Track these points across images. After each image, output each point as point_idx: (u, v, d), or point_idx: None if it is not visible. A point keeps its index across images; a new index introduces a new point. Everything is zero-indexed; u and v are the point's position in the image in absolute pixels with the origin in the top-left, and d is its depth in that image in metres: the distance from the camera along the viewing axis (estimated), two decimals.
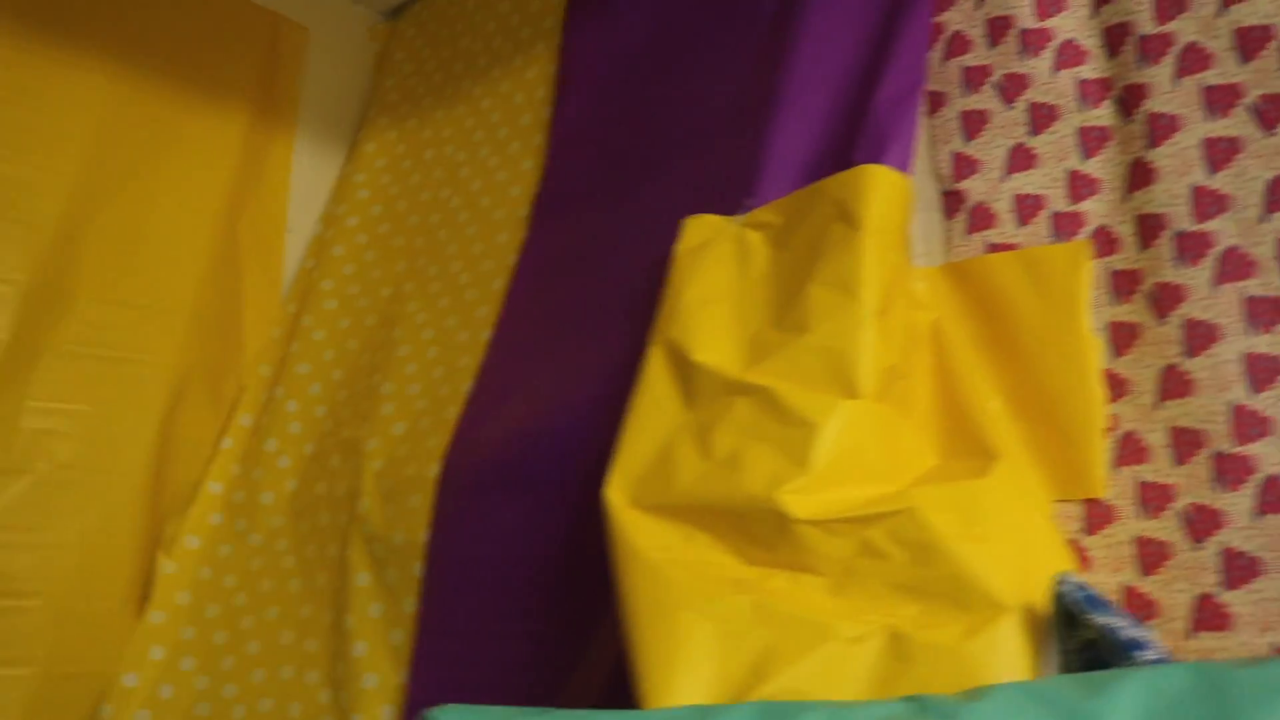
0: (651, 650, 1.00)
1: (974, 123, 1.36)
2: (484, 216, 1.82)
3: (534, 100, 1.87)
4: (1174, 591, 1.07)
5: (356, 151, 2.12)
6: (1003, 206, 1.31)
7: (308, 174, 2.14)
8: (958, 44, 1.38)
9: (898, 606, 0.99)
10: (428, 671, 1.48)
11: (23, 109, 1.80)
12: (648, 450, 1.15)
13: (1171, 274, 1.14)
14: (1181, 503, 1.09)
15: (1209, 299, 1.11)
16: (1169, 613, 1.08)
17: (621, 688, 1.12)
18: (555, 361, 1.50)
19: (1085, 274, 1.21)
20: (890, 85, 1.27)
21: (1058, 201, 1.27)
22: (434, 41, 2.14)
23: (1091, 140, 1.26)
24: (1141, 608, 1.07)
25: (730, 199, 1.34)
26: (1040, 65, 1.31)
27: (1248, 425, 1.06)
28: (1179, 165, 1.16)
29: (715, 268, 1.26)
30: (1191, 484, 1.09)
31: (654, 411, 1.18)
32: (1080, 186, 1.26)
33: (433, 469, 1.57)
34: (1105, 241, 1.22)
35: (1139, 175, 1.20)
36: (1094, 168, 1.25)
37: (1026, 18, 1.32)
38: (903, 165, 1.22)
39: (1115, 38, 1.26)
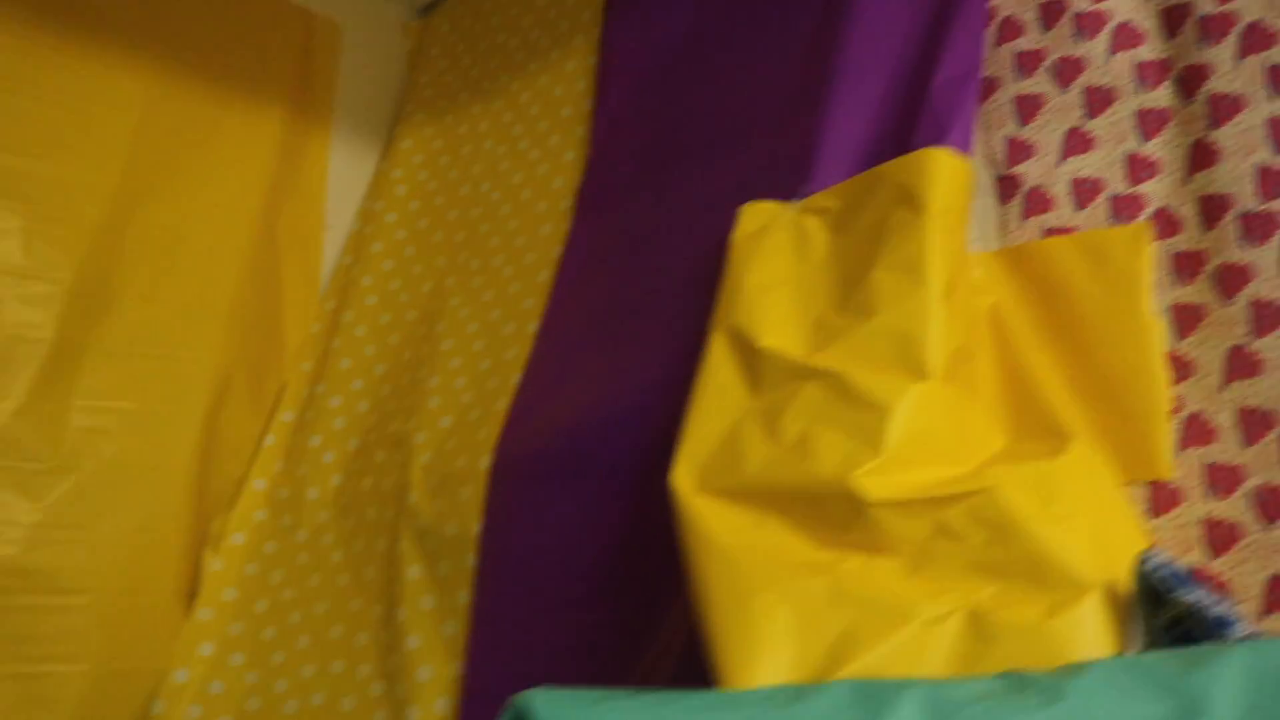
0: (729, 636, 0.99)
1: (1028, 107, 1.35)
2: (526, 209, 1.82)
3: (574, 93, 1.87)
4: (1245, 572, 1.07)
5: (393, 148, 2.12)
6: (1060, 190, 1.31)
7: (343, 171, 2.14)
8: (1009, 29, 1.38)
9: (976, 587, 0.99)
10: (484, 662, 1.48)
11: (63, 111, 1.81)
12: (713, 436, 1.15)
13: (1237, 254, 1.14)
14: (1251, 483, 1.09)
15: (1277, 279, 1.11)
16: (1241, 594, 1.07)
17: (690, 675, 1.12)
18: (606, 352, 1.50)
19: (1146, 256, 1.21)
20: (948, 69, 1.27)
21: (1116, 184, 1.27)
22: (468, 37, 2.14)
23: (1150, 122, 1.26)
24: (1212, 589, 1.06)
25: (783, 185, 1.34)
26: (1096, 48, 1.31)
27: None
28: (1243, 145, 1.16)
29: (774, 254, 1.26)
30: (1261, 464, 1.09)
31: (718, 398, 1.17)
32: (1139, 169, 1.26)
33: (483, 461, 1.57)
34: (1166, 223, 1.22)
35: (1200, 156, 1.20)
36: (1153, 150, 1.25)
37: (1081, 1, 1.32)
38: (963, 148, 1.21)
39: (1174, 19, 1.25)
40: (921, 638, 0.97)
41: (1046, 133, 1.33)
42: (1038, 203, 1.32)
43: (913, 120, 1.27)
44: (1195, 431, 1.15)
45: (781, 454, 1.10)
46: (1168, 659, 0.78)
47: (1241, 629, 0.86)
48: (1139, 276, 1.20)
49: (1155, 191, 1.23)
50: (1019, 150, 1.34)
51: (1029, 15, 1.37)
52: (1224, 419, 1.12)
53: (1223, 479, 1.11)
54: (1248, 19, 1.18)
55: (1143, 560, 0.94)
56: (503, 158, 1.93)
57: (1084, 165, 1.29)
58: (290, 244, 2.05)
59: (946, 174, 1.18)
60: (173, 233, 1.88)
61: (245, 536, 1.82)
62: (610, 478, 1.40)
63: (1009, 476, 1.03)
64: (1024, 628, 0.95)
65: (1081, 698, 0.75)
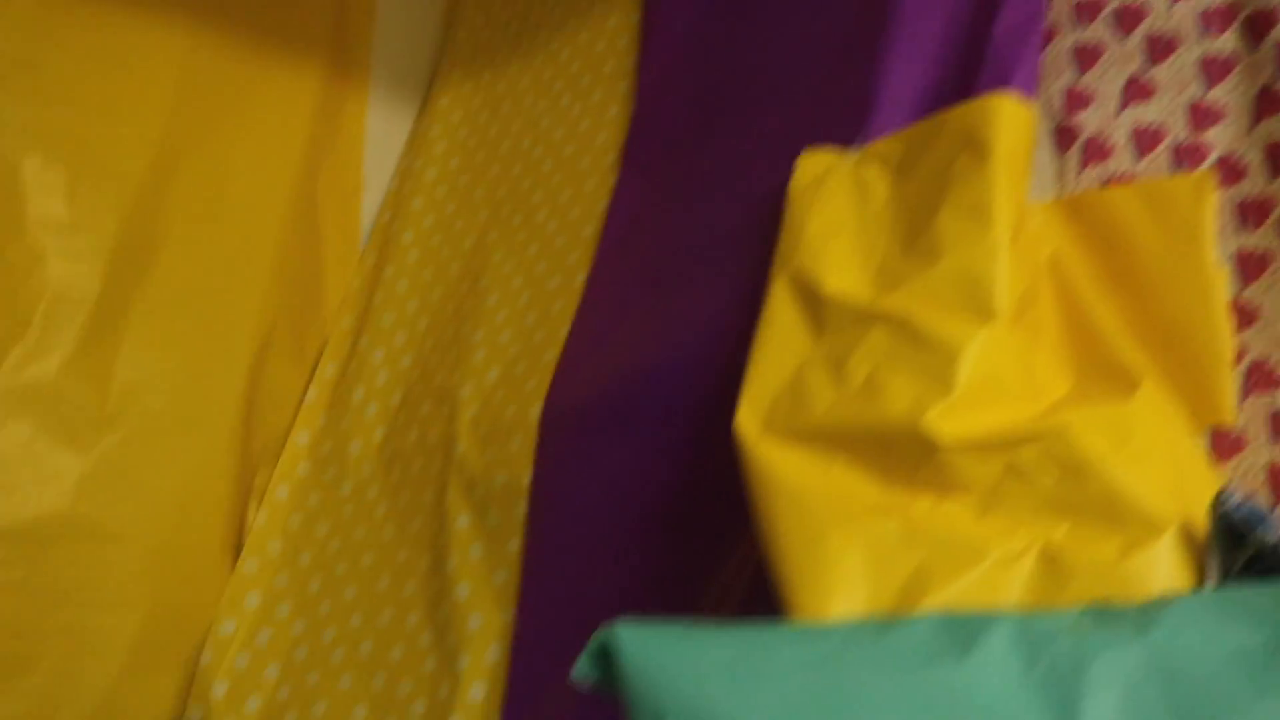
0: (802, 577, 1.00)
1: (1087, 57, 1.35)
2: (569, 164, 1.81)
3: (617, 48, 1.86)
4: None
5: (430, 106, 2.11)
6: (1119, 140, 1.30)
7: (380, 129, 2.14)
8: None
9: (1049, 526, 0.99)
10: (537, 609, 1.48)
11: (104, 66, 1.81)
12: (777, 381, 1.15)
13: None
14: None
15: None
16: None
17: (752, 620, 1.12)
18: (657, 302, 1.49)
19: (1209, 204, 1.20)
20: (1010, 15, 1.26)
21: (1178, 132, 1.26)
22: None
23: (1214, 70, 1.25)
24: None
25: (840, 134, 1.33)
26: None
27: None
28: None
29: (834, 201, 1.25)
30: None
31: (781, 342, 1.17)
32: (1202, 116, 1.25)
33: (533, 411, 1.57)
34: (1230, 171, 1.21)
35: (1267, 103, 1.20)
36: (1217, 97, 1.25)
37: None
38: (1028, 95, 1.21)
39: None
40: (995, 576, 0.97)
41: (1105, 82, 1.32)
42: (1096, 152, 1.31)
43: (974, 68, 1.27)
44: (1258, 378, 1.14)
45: (849, 397, 1.10)
46: (1257, 591, 0.78)
47: None
48: (1201, 225, 1.19)
49: (1219, 139, 1.23)
50: (1077, 100, 1.33)
51: None
52: None
53: None
54: None
55: (1221, 499, 0.94)
56: (544, 114, 1.92)
57: (1144, 114, 1.29)
58: (329, 201, 2.05)
59: (1012, 120, 1.17)
60: (213, 190, 1.88)
61: (289, 490, 1.83)
62: (665, 425, 1.40)
63: (1080, 417, 1.03)
64: (1099, 566, 0.95)
65: (1174, 627, 0.75)
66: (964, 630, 0.79)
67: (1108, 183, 1.32)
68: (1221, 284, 1.18)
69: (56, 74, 1.75)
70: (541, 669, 1.48)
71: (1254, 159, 1.20)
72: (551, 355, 1.63)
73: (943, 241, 1.16)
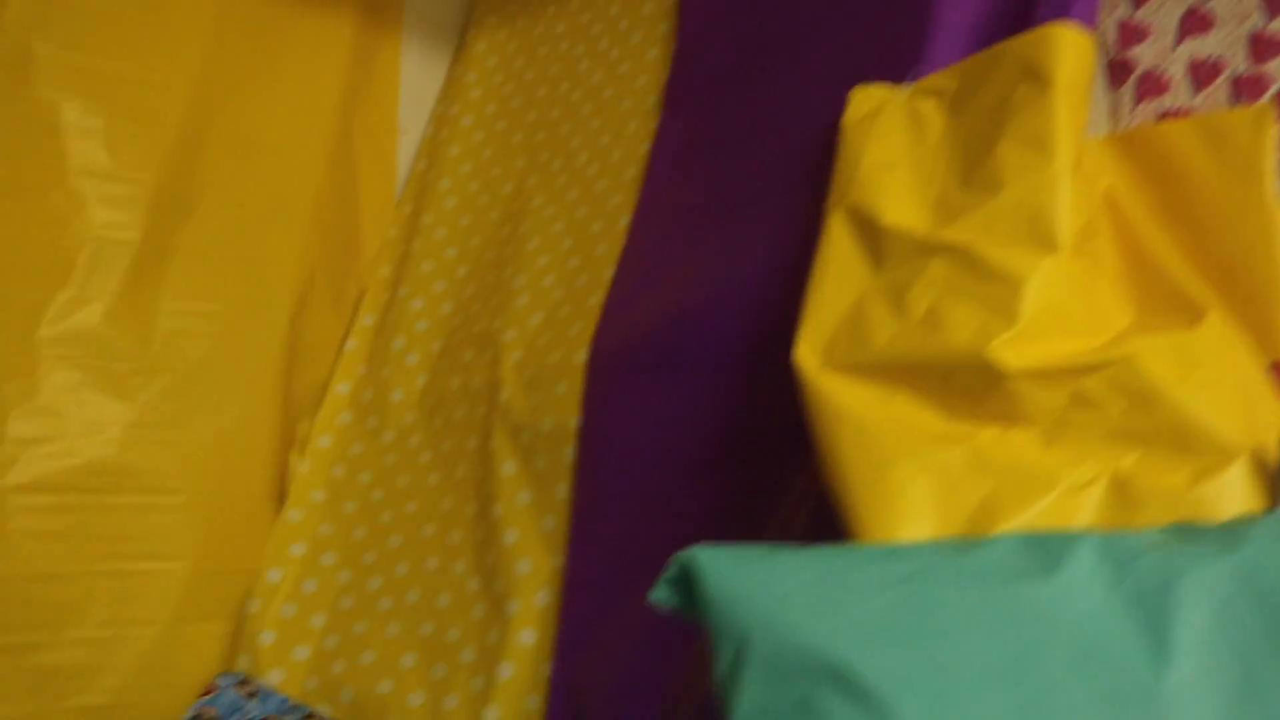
0: (868, 507, 0.99)
1: None
2: (609, 108, 1.80)
3: None
4: None
5: (465, 52, 2.10)
6: (1176, 73, 1.28)
7: (415, 76, 2.12)
8: None
9: (1117, 455, 0.99)
10: (587, 553, 1.48)
11: (142, 14, 1.80)
12: (836, 314, 1.14)
13: None
14: None
15: None
16: None
17: None
18: (704, 242, 1.48)
19: (1269, 138, 1.18)
20: None
21: (1238, 64, 1.24)
22: None
23: (1275, 0, 1.23)
24: None
25: (893, 68, 1.32)
26: None
27: None
28: None
29: (889, 134, 1.24)
30: None
31: (840, 276, 1.16)
32: (1263, 48, 1.23)
33: (580, 355, 1.57)
34: None
35: None
36: (1279, 29, 1.22)
37: None
38: (1087, 25, 1.19)
39: None
40: (1065, 504, 0.97)
41: (1162, 14, 1.31)
42: (1152, 86, 1.29)
43: (1029, 1, 1.25)
44: None
45: (910, 328, 1.09)
46: None
47: None
48: (1261, 159, 1.18)
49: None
50: (1131, 33, 1.32)
51: None
52: None
53: None
54: None
55: None
56: (581, 58, 1.91)
57: (1202, 46, 1.27)
58: (365, 150, 2.04)
59: (1072, 50, 1.15)
60: (250, 138, 1.87)
61: (331, 439, 1.83)
62: (717, 364, 1.39)
63: (1147, 345, 1.02)
64: (1170, 493, 0.95)
65: (1262, 545, 0.75)
66: (1047, 549, 0.78)
67: (1164, 117, 1.30)
68: None
69: (95, 20, 1.74)
70: (593, 612, 1.48)
71: None
72: (596, 299, 1.63)
73: (1003, 173, 1.15)
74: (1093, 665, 0.71)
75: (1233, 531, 0.79)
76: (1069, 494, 0.98)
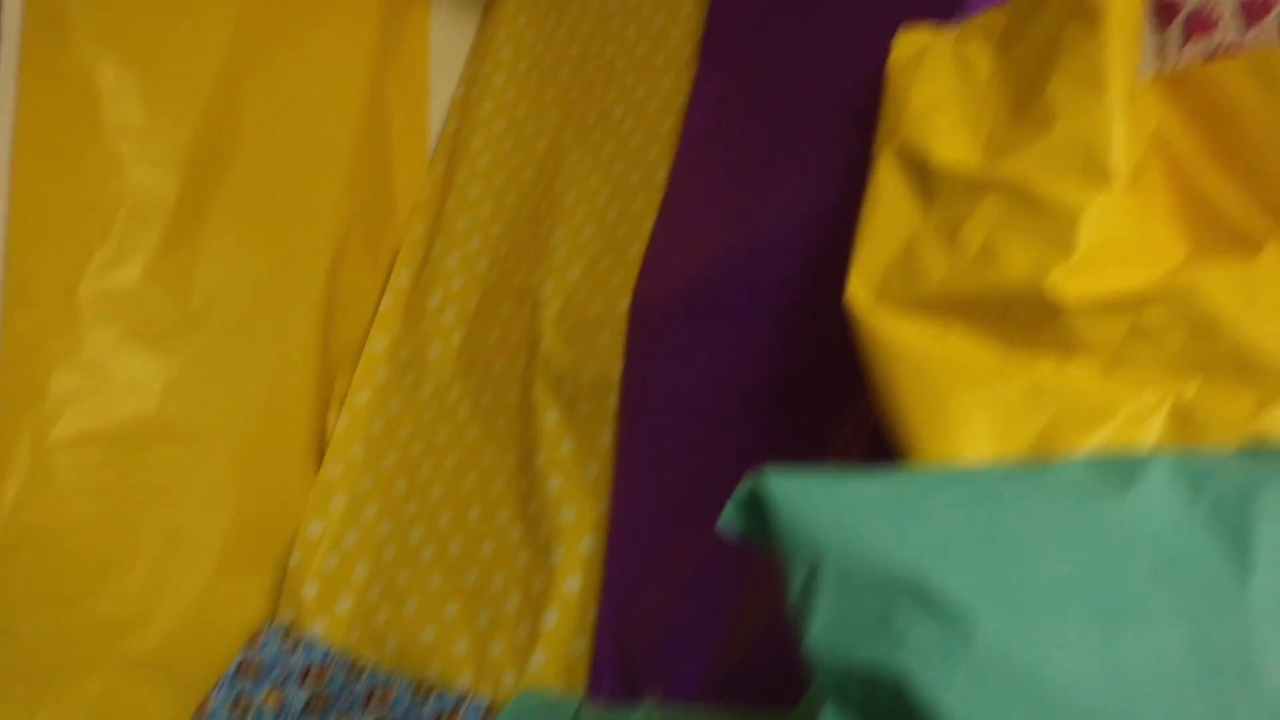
0: (928, 442, 0.99)
1: None
2: (644, 62, 1.80)
3: None
4: None
5: (494, 12, 2.09)
6: (1224, 10, 1.27)
7: (444, 36, 2.12)
8: None
9: (1178, 384, 0.98)
10: (631, 499, 1.49)
11: None
12: (887, 253, 1.14)
13: None
14: None
15: None
16: None
17: None
18: (747, 190, 1.48)
19: None
20: None
21: None
22: None
23: None
24: None
25: (936, 11, 1.31)
26: None
27: None
28: None
29: (936, 76, 1.24)
30: None
31: (890, 215, 1.16)
32: None
33: (622, 303, 1.57)
34: None
35: None
36: None
37: None
38: None
39: None
40: (1126, 434, 0.97)
41: None
42: (1200, 25, 1.28)
43: None
44: None
45: (964, 264, 1.09)
46: None
47: None
48: None
49: None
50: None
51: None
52: None
53: None
54: None
55: None
56: (613, 14, 1.90)
57: None
58: (397, 109, 2.04)
59: None
60: (283, 97, 1.87)
61: (368, 395, 1.83)
62: (762, 308, 1.39)
63: (1207, 276, 1.02)
64: (1233, 421, 0.95)
65: None
66: (1119, 469, 0.78)
67: (1212, 56, 1.29)
68: None
69: None
70: (639, 557, 1.48)
71: None
72: (636, 249, 1.63)
73: (1055, 109, 1.14)
74: (1174, 575, 0.71)
75: None
76: (1129, 423, 0.97)
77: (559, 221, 1.77)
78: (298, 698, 1.66)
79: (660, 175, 1.67)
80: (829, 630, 0.73)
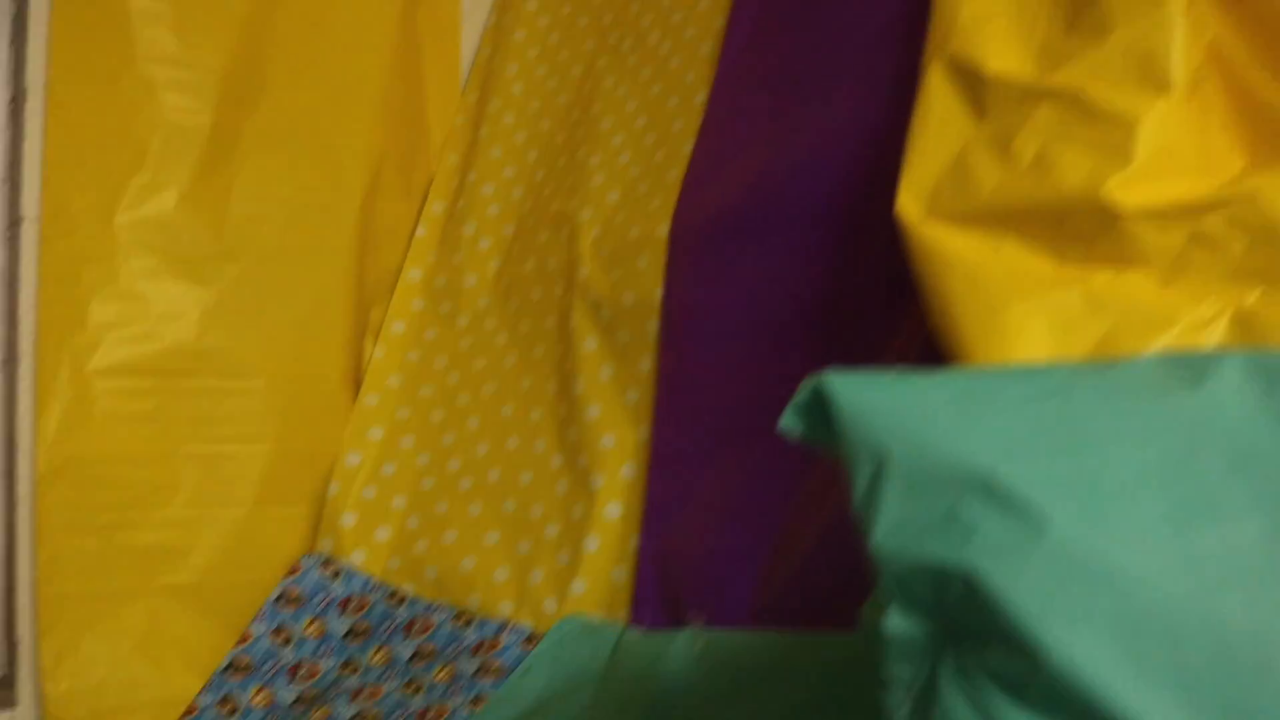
0: (984, 352, 0.99)
1: None
2: None
3: None
4: None
5: None
6: None
7: None
8: None
9: (1239, 292, 0.97)
10: (673, 424, 1.48)
11: None
12: (938, 165, 1.12)
13: None
14: None
15: None
16: None
17: None
18: (788, 110, 1.46)
19: None
20: None
21: None
22: None
23: None
24: None
25: None
26: None
27: None
28: None
29: None
30: None
31: (941, 127, 1.14)
32: None
33: (661, 228, 1.55)
34: None
35: None
36: None
37: None
38: None
39: None
40: (1186, 342, 0.95)
41: None
42: None
43: None
44: None
45: (1018, 175, 1.07)
46: None
47: None
48: None
49: None
50: None
51: None
52: None
53: None
54: None
55: None
56: None
57: None
58: (429, 37, 2.02)
59: None
60: (316, 24, 1.86)
61: (404, 325, 1.83)
62: (806, 227, 1.38)
63: (1270, 183, 0.99)
64: None
65: None
66: (1190, 365, 0.77)
67: None
68: None
69: None
70: (681, 483, 1.48)
71: None
72: (675, 173, 1.61)
73: (1112, 16, 1.12)
74: (1250, 468, 0.70)
75: None
76: (1190, 331, 0.96)
77: (595, 148, 1.75)
78: (338, 626, 1.66)
79: (699, 99, 1.64)
80: (895, 528, 0.71)
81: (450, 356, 1.77)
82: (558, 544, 1.53)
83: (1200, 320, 0.97)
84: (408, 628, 1.60)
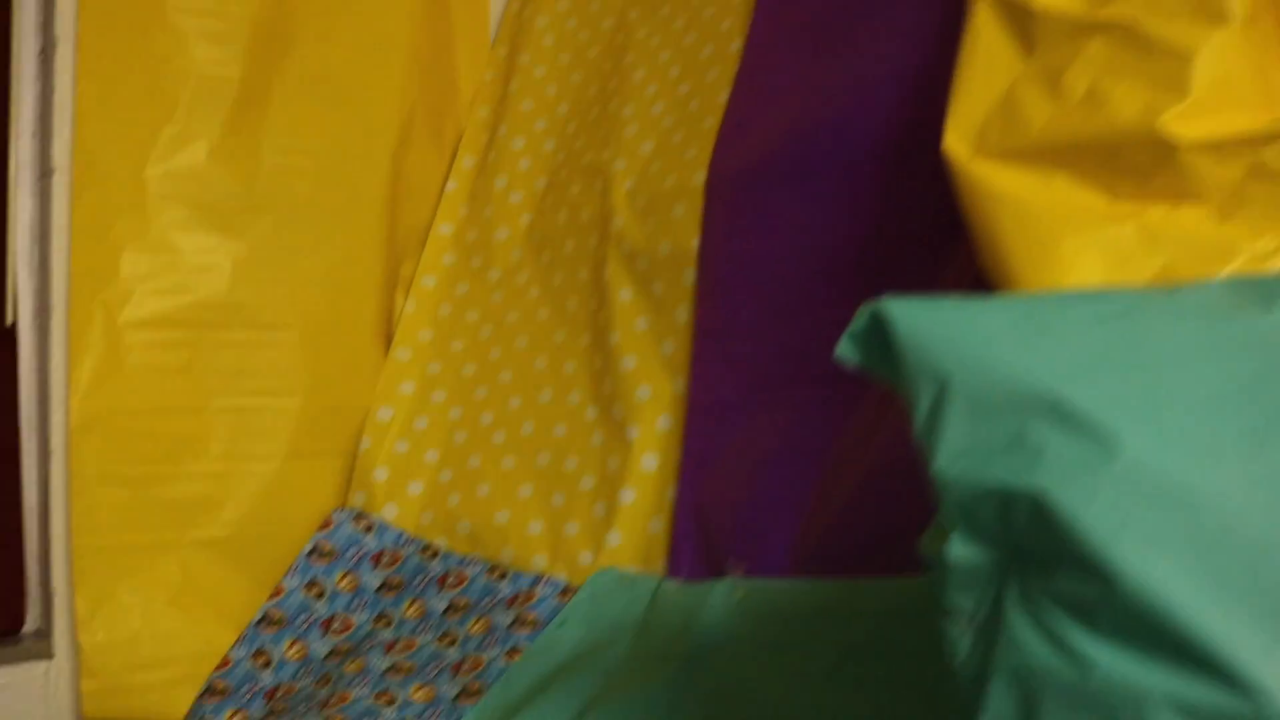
0: (1038, 288, 0.96)
1: None
2: None
3: None
4: None
5: None
6: None
7: None
8: None
9: None
10: (711, 374, 1.46)
11: None
12: (986, 102, 1.10)
13: None
14: None
15: None
16: None
17: None
18: (827, 56, 1.44)
19: None
20: None
21: None
22: None
23: None
24: None
25: None
26: None
27: None
28: None
29: None
30: None
31: (988, 64, 1.12)
32: None
33: (697, 176, 1.54)
34: None
35: None
36: None
37: None
38: None
39: None
40: (1251, 273, 0.93)
41: None
42: None
43: None
44: None
45: (1069, 109, 1.05)
46: None
47: None
48: None
49: None
50: None
51: None
52: None
53: None
54: None
55: None
56: None
57: None
58: None
59: None
60: None
61: (435, 279, 1.81)
62: (848, 171, 1.36)
63: None
64: None
65: None
66: (1259, 288, 0.75)
67: None
68: None
69: None
70: (719, 432, 1.46)
71: None
72: (711, 122, 1.59)
73: None
74: None
75: None
76: (1249, 265, 0.94)
77: (628, 98, 1.73)
78: (371, 580, 1.65)
79: (734, 46, 1.62)
80: (959, 453, 0.70)
81: (482, 310, 1.75)
82: (593, 496, 1.52)
83: (1260, 253, 0.95)
84: (441, 581, 1.59)
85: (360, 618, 1.60)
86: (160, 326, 1.59)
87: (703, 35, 1.68)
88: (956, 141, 1.10)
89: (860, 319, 0.77)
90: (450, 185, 1.87)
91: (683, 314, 1.52)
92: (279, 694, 1.51)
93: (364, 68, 1.80)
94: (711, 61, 1.64)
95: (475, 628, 1.50)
